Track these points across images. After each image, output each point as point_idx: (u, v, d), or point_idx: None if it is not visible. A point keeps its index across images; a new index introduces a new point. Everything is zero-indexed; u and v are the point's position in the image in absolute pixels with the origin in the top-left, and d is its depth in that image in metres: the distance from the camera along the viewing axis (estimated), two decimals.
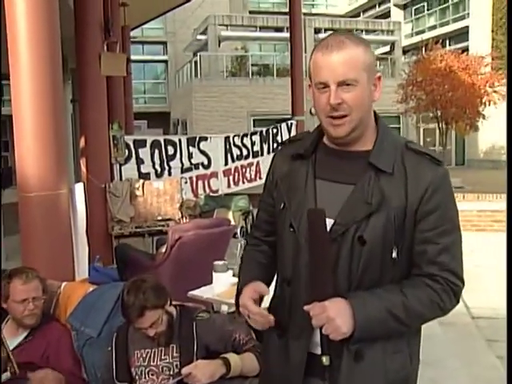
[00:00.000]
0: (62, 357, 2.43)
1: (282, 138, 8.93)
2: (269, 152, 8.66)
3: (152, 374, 2.21)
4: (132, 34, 13.56)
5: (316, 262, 1.32)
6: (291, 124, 9.20)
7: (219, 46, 23.43)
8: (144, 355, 2.23)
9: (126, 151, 6.74)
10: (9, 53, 3.75)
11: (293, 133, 8.98)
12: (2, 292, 2.47)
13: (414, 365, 1.43)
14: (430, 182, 1.32)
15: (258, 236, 1.62)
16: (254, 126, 18.99)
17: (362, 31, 28.10)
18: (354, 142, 1.38)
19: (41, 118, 3.75)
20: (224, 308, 3.52)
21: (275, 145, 8.87)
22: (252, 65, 23.09)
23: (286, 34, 16.24)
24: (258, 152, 8.57)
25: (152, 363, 2.21)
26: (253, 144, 8.52)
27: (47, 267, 3.16)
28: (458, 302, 1.37)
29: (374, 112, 1.42)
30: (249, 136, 8.64)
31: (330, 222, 1.33)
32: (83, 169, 6.40)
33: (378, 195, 1.31)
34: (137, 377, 2.22)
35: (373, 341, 1.34)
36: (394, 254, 1.33)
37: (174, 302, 2.29)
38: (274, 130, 8.99)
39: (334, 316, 1.28)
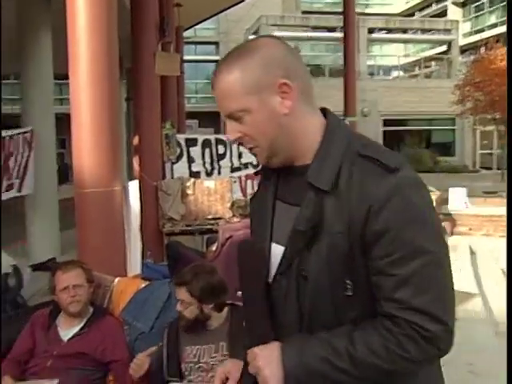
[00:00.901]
0: (119, 349, 2.50)
1: None
2: None
3: (202, 371, 2.22)
4: (185, 34, 13.77)
5: (249, 301, 1.17)
6: None
7: None
8: (194, 352, 2.25)
9: (178, 150, 6.83)
10: (68, 53, 3.86)
11: None
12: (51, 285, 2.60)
13: None
14: (376, 196, 1.03)
15: None
16: None
17: (417, 30, 27.50)
18: (293, 159, 1.16)
19: (97, 117, 3.84)
20: None
21: None
22: None
23: (339, 34, 16.09)
24: None
25: (202, 360, 2.23)
26: None
27: (101, 261, 3.23)
28: (438, 349, 1.04)
29: (325, 111, 1.19)
30: None
31: (281, 249, 1.14)
32: (136, 167, 6.53)
33: (317, 220, 1.07)
34: (186, 372, 2.24)
35: None
36: (349, 291, 1.07)
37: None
38: None
39: (263, 366, 1.08)
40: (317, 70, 22.86)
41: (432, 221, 1.06)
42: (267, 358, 1.08)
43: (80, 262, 2.74)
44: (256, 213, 1.25)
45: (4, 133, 6.21)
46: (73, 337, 2.52)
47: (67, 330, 2.54)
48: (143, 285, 2.72)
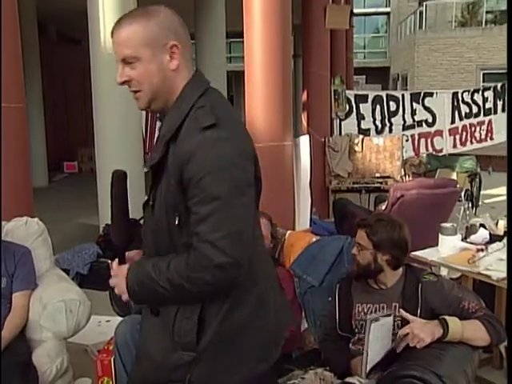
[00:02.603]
0: (286, 292, 2.53)
1: None
2: (503, 110, 7.77)
3: None
4: None
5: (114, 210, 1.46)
6: None
7: None
8: (366, 310, 2.20)
9: (347, 106, 6.69)
10: (243, 12, 3.93)
11: None
12: None
13: (207, 334, 1.36)
14: (189, 149, 1.27)
15: None
16: (483, 82, 17.34)
17: None
18: (163, 111, 1.40)
19: (270, 74, 3.90)
20: (443, 272, 3.30)
21: None
22: (486, 12, 20.84)
23: None
24: (490, 109, 7.77)
25: None
26: (485, 100, 7.73)
27: (271, 214, 3.32)
28: (227, 276, 1.27)
29: (195, 76, 1.40)
30: (480, 92, 7.85)
31: None
32: (304, 123, 6.56)
33: (160, 161, 1.33)
34: (356, 330, 2.21)
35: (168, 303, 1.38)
36: (176, 221, 1.33)
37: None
38: None
39: (117, 277, 1.42)
40: (501, 17, 20.57)
41: (230, 173, 1.26)
42: (119, 272, 1.42)
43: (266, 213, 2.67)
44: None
45: None
46: None
47: None
48: (314, 239, 2.72)
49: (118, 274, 1.42)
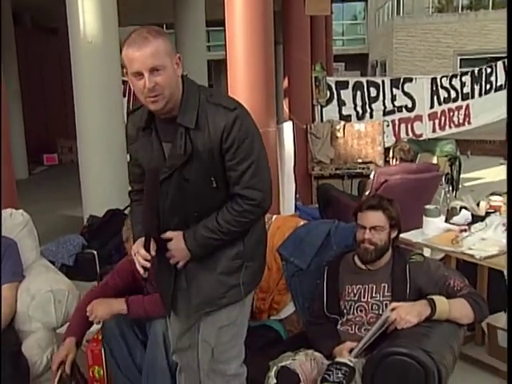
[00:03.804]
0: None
1: (496, 79, 8.03)
2: (480, 94, 7.88)
3: (360, 311, 2.21)
4: None
5: (147, 203, 1.78)
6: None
7: None
8: (355, 291, 2.24)
9: (328, 93, 6.71)
10: (225, 1, 3.91)
11: None
12: None
13: (245, 246, 1.84)
14: (224, 126, 1.68)
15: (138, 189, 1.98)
16: (460, 67, 17.50)
17: None
18: (171, 110, 1.73)
19: (252, 60, 3.87)
20: (427, 254, 3.36)
21: (488, 86, 8.02)
22: None
23: None
24: (468, 94, 7.86)
25: (362, 299, 2.21)
26: (462, 85, 7.82)
27: None
28: (263, 208, 1.78)
29: (182, 77, 1.76)
30: (458, 77, 7.94)
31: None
32: (286, 110, 6.57)
33: (189, 146, 1.71)
34: (345, 311, 2.24)
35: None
36: (214, 184, 1.75)
37: None
38: (488, 70, 8.10)
39: (174, 251, 1.80)
40: (476, 3, 20.75)
41: (256, 137, 1.76)
42: (177, 244, 1.79)
43: None
44: (144, 150, 1.83)
45: None
46: None
47: None
48: (302, 223, 2.74)
49: (176, 248, 1.79)
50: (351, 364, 1.94)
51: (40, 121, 11.13)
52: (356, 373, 1.91)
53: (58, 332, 2.76)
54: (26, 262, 2.81)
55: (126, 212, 4.86)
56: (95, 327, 3.03)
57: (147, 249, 1.73)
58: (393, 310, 2.00)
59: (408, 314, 1.96)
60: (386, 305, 2.13)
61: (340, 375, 1.87)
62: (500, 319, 3.03)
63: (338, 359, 2.00)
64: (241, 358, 1.92)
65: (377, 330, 2.02)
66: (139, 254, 1.75)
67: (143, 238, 1.77)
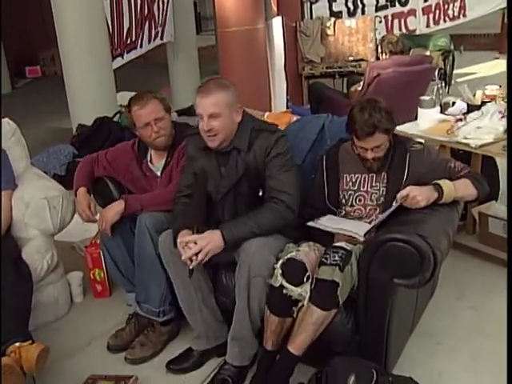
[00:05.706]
0: None
1: None
2: None
3: (359, 201, 2.22)
4: None
5: (196, 200, 2.22)
6: None
7: None
8: (354, 180, 2.23)
9: None
10: None
11: None
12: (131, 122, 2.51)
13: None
14: (267, 146, 2.12)
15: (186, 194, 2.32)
16: None
17: None
18: (226, 146, 2.17)
19: None
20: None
21: None
22: None
23: None
24: None
25: (362, 189, 2.21)
26: None
27: (246, 99, 3.24)
28: (293, 211, 2.11)
29: (245, 114, 2.19)
30: None
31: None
32: (274, 7, 6.26)
33: (242, 166, 2.15)
34: (344, 201, 2.25)
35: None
36: (261, 193, 2.17)
37: None
38: None
39: (207, 243, 2.02)
40: None
41: (290, 153, 2.19)
42: (209, 238, 2.04)
43: (152, 92, 2.49)
44: (205, 174, 2.24)
45: None
46: (162, 170, 2.52)
47: (158, 165, 2.55)
48: (295, 118, 2.69)
49: (210, 242, 2.01)
50: (348, 248, 1.97)
51: (19, 32, 10.61)
52: (352, 256, 1.94)
53: (55, 239, 2.79)
54: (17, 171, 2.78)
55: (115, 119, 4.78)
56: (90, 234, 3.06)
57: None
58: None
59: (419, 193, 1.98)
60: (383, 191, 2.16)
61: (337, 258, 1.90)
62: (491, 207, 3.09)
63: (336, 244, 2.03)
64: None
65: (389, 214, 2.04)
66: (188, 247, 2.01)
67: (187, 231, 2.08)
